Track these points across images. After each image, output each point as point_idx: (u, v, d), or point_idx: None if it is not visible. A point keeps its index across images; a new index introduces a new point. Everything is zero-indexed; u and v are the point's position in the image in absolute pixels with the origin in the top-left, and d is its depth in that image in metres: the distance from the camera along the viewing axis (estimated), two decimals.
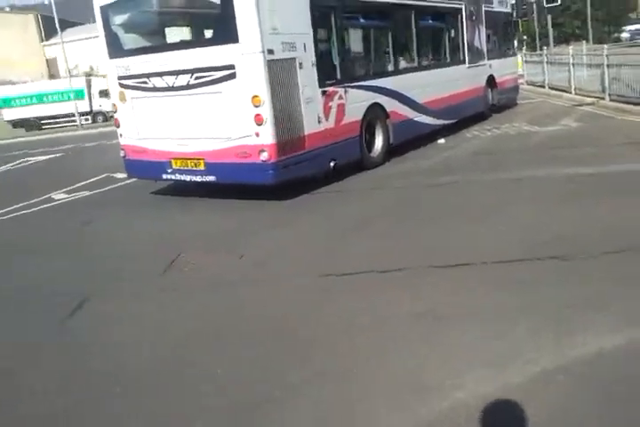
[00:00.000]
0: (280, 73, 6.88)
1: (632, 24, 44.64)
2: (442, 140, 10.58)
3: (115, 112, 8.11)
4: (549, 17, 23.08)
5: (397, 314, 3.81)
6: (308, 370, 3.27)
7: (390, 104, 9.18)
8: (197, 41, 7.86)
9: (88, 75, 29.07)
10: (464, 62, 11.88)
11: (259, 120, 6.73)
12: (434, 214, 6.09)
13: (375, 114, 8.85)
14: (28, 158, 14.73)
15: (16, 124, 25.93)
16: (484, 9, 12.79)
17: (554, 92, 16.97)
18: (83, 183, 9.56)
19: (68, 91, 24.32)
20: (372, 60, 9.49)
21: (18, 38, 40.31)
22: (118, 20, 7.98)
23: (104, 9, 7.92)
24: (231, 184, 7.28)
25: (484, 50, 12.83)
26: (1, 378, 3.58)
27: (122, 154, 8.15)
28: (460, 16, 11.72)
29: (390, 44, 9.60)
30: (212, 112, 7.06)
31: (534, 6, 24.43)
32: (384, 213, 6.41)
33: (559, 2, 19.63)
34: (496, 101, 13.54)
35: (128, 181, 8.93)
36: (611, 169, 7.08)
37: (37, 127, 25.02)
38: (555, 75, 17.57)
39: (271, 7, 6.73)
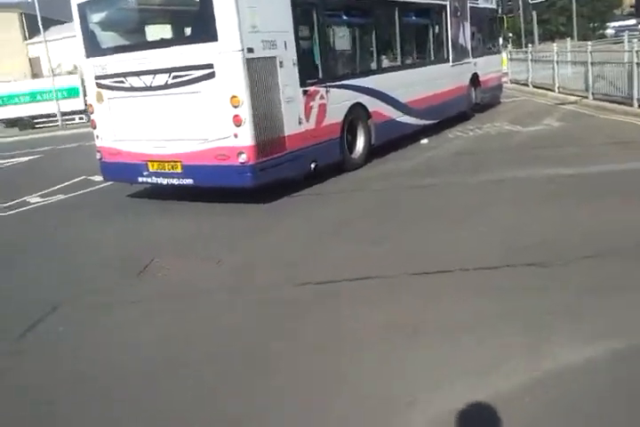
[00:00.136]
0: (260, 72, 6.75)
1: (616, 21, 44.91)
2: (424, 141, 10.51)
3: (91, 113, 7.95)
4: (534, 13, 23.11)
5: (372, 325, 3.72)
6: (272, 386, 3.16)
7: (373, 104, 9.09)
8: (175, 39, 7.72)
9: (70, 73, 28.65)
10: (448, 61, 11.80)
11: (237, 121, 6.61)
12: (414, 218, 6.02)
13: (357, 114, 8.76)
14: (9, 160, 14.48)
15: (9, 123, 25.52)
16: (468, 5, 12.67)
17: (538, 90, 16.99)
18: (59, 186, 9.39)
19: (62, 89, 23.93)
20: (355, 59, 9.40)
21: (1, 37, 39.72)
22: (95, 18, 7.84)
23: (81, 7, 7.77)
24: (210, 187, 7.16)
25: (469, 48, 12.74)
26: None
27: (98, 156, 7.99)
28: (444, 13, 11.62)
29: (373, 43, 9.50)
30: (190, 113, 6.93)
31: (520, 2, 24.44)
32: (364, 216, 6.33)
33: None
34: (479, 100, 13.47)
35: (105, 184, 8.77)
36: (592, 170, 7.05)
37: (31, 126, 24.62)
38: (539, 73, 17.58)
39: (251, 4, 6.60)
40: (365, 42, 9.55)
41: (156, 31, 7.98)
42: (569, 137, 9.59)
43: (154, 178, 7.41)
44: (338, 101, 8.22)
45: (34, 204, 8.55)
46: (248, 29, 6.56)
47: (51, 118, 24.41)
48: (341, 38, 8.93)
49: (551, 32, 41.12)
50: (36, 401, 3.27)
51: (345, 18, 8.98)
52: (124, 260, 5.59)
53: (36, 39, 37.63)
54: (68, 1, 7.88)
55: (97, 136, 7.96)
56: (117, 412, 3.09)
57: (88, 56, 7.78)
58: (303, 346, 3.59)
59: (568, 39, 19.41)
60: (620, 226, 5.07)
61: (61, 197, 8.77)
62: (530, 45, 20.95)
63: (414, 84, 10.30)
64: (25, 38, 42.34)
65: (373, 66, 9.51)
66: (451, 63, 11.87)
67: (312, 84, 7.70)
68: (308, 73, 7.60)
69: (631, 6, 56.10)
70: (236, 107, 6.58)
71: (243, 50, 6.50)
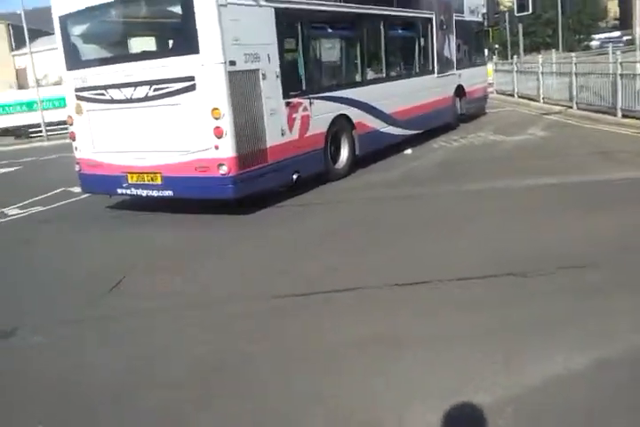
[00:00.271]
0: (242, 85, 6.71)
1: (601, 33, 45.54)
2: (408, 151, 10.50)
3: (70, 125, 7.86)
4: (520, 26, 23.28)
5: (348, 340, 3.64)
6: (246, 407, 3.07)
7: (357, 115, 9.07)
8: (157, 52, 7.66)
9: (56, 84, 28.54)
10: (433, 72, 11.83)
11: (218, 133, 6.56)
12: (397, 229, 5.98)
13: (341, 125, 8.73)
14: None
15: (5, 132, 25.36)
16: (454, 19, 12.76)
17: (523, 100, 17.10)
18: (38, 198, 9.26)
19: (61, 98, 23.73)
20: (339, 71, 9.38)
21: None
22: (77, 30, 7.78)
23: (62, 19, 7.70)
24: (192, 198, 7.07)
25: (454, 59, 12.79)
26: None
27: (77, 168, 7.89)
28: (429, 26, 11.66)
29: (358, 55, 9.48)
30: (170, 125, 6.86)
31: (506, 15, 24.63)
32: (346, 227, 6.27)
33: (530, 11, 19.70)
34: (465, 111, 13.53)
35: (84, 196, 8.65)
36: (574, 180, 7.07)
37: (27, 135, 24.43)
38: (524, 83, 17.71)
39: (233, 17, 6.57)
40: (350, 54, 9.54)
41: (137, 43, 7.91)
42: (553, 147, 9.62)
43: (133, 190, 7.32)
44: (321, 113, 8.20)
45: (12, 215, 8.43)
46: (230, 42, 6.53)
47: (48, 128, 24.24)
48: (325, 51, 8.92)
49: (537, 44, 41.58)
50: None
51: (329, 30, 8.98)
52: (96, 277, 5.41)
53: (22, 50, 37.51)
54: None
55: (76, 148, 7.87)
56: None
57: (69, 68, 7.70)
58: (280, 360, 3.50)
59: (553, 51, 19.56)
60: (601, 236, 5.06)
61: (40, 208, 8.65)
62: (515, 57, 21.09)
63: (399, 96, 10.31)
64: (12, 49, 42.24)
65: (357, 78, 9.50)
66: (436, 75, 11.90)
67: (295, 96, 7.67)
68: (291, 85, 7.57)
69: (615, 19, 56.91)
70: (217, 119, 6.53)
71: (225, 62, 6.47)
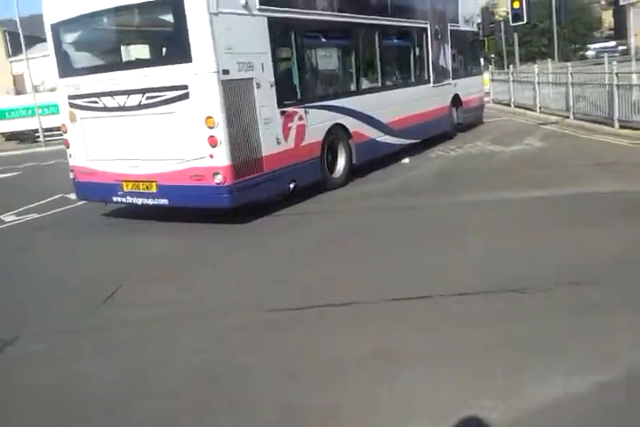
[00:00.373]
0: (236, 94, 6.68)
1: (596, 42, 45.86)
2: (406, 160, 10.47)
3: (65, 132, 7.80)
4: (516, 35, 23.37)
5: (344, 356, 3.56)
6: (241, 419, 3.00)
7: (353, 124, 9.04)
8: (150, 60, 7.61)
9: (52, 90, 28.52)
10: (429, 82, 11.83)
11: (212, 142, 6.51)
12: (394, 240, 5.92)
13: (337, 134, 8.70)
14: None
15: (10, 136, 25.30)
16: (449, 29, 12.79)
17: (519, 110, 17.11)
18: (35, 204, 9.19)
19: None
20: (334, 80, 9.35)
21: None
22: (69, 38, 7.74)
23: (55, 27, 7.67)
24: (188, 207, 7.01)
25: (450, 69, 12.80)
26: None
27: (71, 176, 7.84)
28: (425, 35, 11.68)
29: (353, 64, 9.46)
30: (164, 133, 6.82)
31: (502, 25, 24.72)
32: (343, 236, 6.22)
33: (525, 20, 19.77)
34: (461, 120, 13.52)
35: (81, 203, 8.60)
36: (570, 191, 7.00)
37: (32, 140, 24.37)
38: (520, 93, 17.73)
39: (226, 26, 6.54)
40: (345, 63, 9.52)
41: (130, 52, 7.87)
42: (550, 157, 9.59)
43: (128, 198, 7.27)
44: (317, 122, 8.17)
45: (8, 222, 8.37)
46: (223, 51, 6.50)
47: (52, 132, 24.19)
48: (320, 60, 8.90)
49: (533, 53, 41.81)
50: None
51: (324, 40, 8.97)
52: (91, 286, 5.35)
53: (19, 56, 37.49)
54: None
55: (70, 155, 7.82)
56: None
57: (61, 76, 7.67)
58: (275, 373, 3.44)
59: (549, 60, 19.60)
60: (598, 250, 4.99)
61: (36, 215, 8.59)
62: (511, 66, 21.15)
63: (395, 105, 10.29)
64: (9, 55, 42.21)
65: (353, 87, 9.48)
66: (431, 84, 11.90)
67: (290, 106, 7.64)
68: (286, 94, 7.54)
69: (610, 29, 57.31)
70: (211, 128, 6.49)
71: (218, 71, 6.44)
